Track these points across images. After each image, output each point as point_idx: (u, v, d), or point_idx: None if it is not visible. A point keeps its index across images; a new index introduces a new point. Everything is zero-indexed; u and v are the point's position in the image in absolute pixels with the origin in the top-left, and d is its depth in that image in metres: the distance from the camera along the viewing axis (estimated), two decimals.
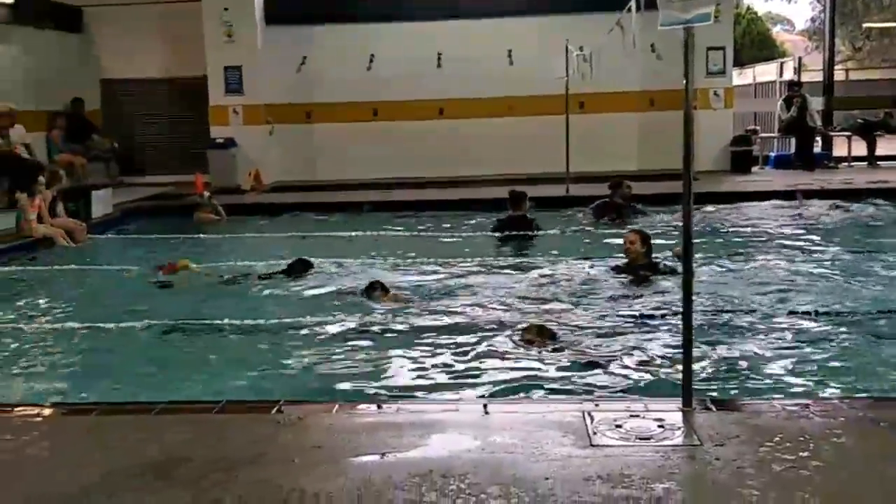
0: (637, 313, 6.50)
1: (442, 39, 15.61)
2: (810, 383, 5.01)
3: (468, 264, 8.68)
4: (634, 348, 5.66)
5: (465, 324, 6.39)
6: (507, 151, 15.23)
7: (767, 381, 5.05)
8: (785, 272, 7.95)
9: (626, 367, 5.30)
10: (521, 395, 4.84)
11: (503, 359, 5.52)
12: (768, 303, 6.76)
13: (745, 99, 19.18)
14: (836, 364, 5.35)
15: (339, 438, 3.78)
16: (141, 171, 16.33)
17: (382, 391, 5.09)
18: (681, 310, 4.07)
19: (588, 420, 3.81)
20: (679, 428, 3.73)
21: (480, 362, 5.51)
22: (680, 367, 4.08)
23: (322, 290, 7.66)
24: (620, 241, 8.23)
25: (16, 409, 4.54)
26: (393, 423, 3.96)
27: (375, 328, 6.38)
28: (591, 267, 8.19)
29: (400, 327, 6.35)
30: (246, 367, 5.65)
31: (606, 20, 12.35)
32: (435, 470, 3.36)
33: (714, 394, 4.50)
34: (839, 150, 17.31)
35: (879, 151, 16.92)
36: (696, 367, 4.10)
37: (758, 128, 17.58)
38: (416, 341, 5.97)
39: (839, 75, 22.55)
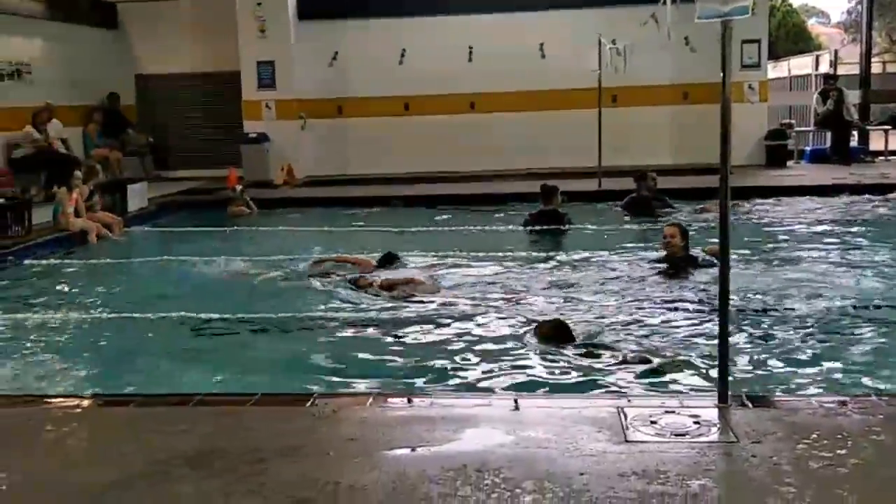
0: (673, 308, 6.46)
1: (473, 33, 15.59)
2: (848, 380, 4.95)
3: (499, 259, 8.67)
4: (669, 343, 5.63)
5: (496, 318, 6.38)
6: (538, 146, 15.17)
7: (804, 377, 5.00)
8: (821, 267, 7.87)
9: (662, 362, 5.27)
10: (556, 390, 4.82)
11: (536, 353, 5.51)
12: (805, 298, 6.68)
13: (780, 92, 18.96)
14: (874, 360, 5.28)
15: (374, 431, 3.79)
16: (175, 166, 16.48)
17: (413, 385, 5.11)
18: (717, 305, 4.04)
19: (622, 416, 3.79)
20: (715, 424, 3.70)
21: (513, 357, 5.51)
22: (716, 362, 4.05)
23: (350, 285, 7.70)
24: (652, 235, 8.18)
25: (55, 400, 4.62)
26: (426, 417, 3.97)
27: (405, 322, 6.39)
28: (627, 262, 8.15)
29: (430, 321, 6.36)
30: (280, 359, 5.69)
31: (639, 13, 12.30)
32: (469, 464, 3.37)
33: (750, 390, 4.44)
34: (876, 144, 17.06)
35: None
36: (732, 363, 4.06)
37: (793, 121, 17.37)
38: (447, 335, 5.99)
39: (876, 68, 22.26)
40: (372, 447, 3.61)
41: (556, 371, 5.19)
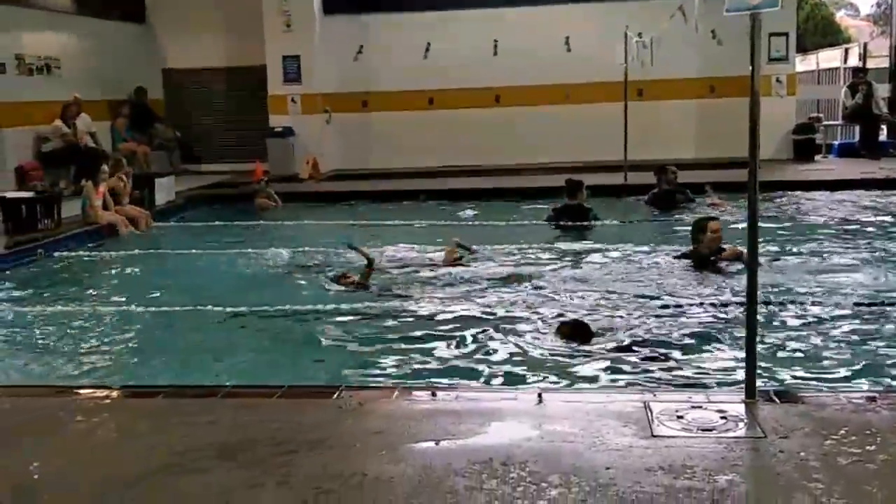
0: (699, 302, 6.43)
1: (498, 27, 15.55)
2: (877, 376, 4.90)
3: (524, 253, 8.67)
4: (697, 338, 5.60)
5: (520, 314, 6.38)
6: (563, 139, 15.12)
7: (832, 373, 4.95)
8: (849, 262, 7.79)
9: (688, 357, 5.25)
10: (581, 384, 4.82)
11: (562, 347, 5.50)
12: (833, 294, 6.62)
13: (808, 86, 18.76)
14: None
15: (400, 424, 3.81)
16: (201, 160, 16.60)
17: (438, 378, 5.11)
18: (744, 299, 4.02)
19: (648, 410, 3.79)
20: (742, 419, 3.68)
21: (538, 351, 5.50)
22: (743, 357, 4.03)
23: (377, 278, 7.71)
24: (676, 229, 8.12)
25: (85, 391, 4.68)
26: (452, 411, 3.98)
27: (430, 316, 6.40)
28: (653, 256, 8.11)
29: (454, 317, 6.36)
30: (305, 352, 5.72)
31: (665, 6, 12.24)
32: (495, 458, 3.38)
33: (777, 386, 4.42)
34: None
35: None
36: (759, 358, 4.03)
37: (821, 115, 17.18)
38: (470, 330, 5.98)
39: None
40: (398, 440, 3.63)
41: (581, 366, 5.17)
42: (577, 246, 8.99)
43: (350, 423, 3.90)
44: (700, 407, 3.82)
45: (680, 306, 6.42)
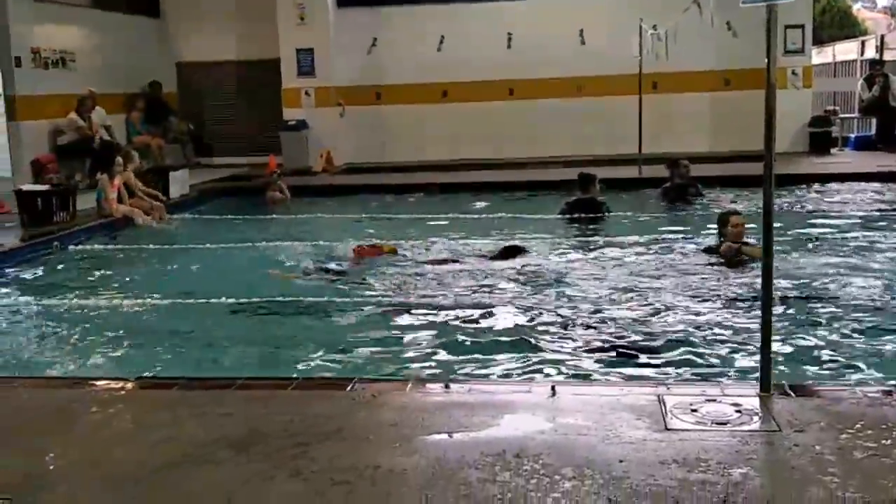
0: (714, 295, 6.40)
1: (512, 19, 15.50)
2: (893, 370, 4.87)
3: (537, 247, 8.66)
4: (711, 331, 5.58)
5: (532, 306, 6.37)
6: (577, 133, 15.08)
7: (848, 367, 4.92)
8: (865, 256, 7.75)
9: (702, 350, 5.23)
10: (594, 377, 4.81)
11: (574, 340, 5.49)
12: (849, 287, 6.58)
13: (824, 78, 18.64)
14: None
15: (413, 416, 3.81)
16: (215, 153, 16.64)
17: (451, 371, 5.11)
18: (759, 293, 3.99)
19: (662, 404, 3.77)
20: (757, 413, 3.67)
21: (551, 344, 5.49)
22: (757, 351, 4.01)
23: (389, 271, 7.73)
24: (686, 222, 8.07)
25: (100, 382, 4.70)
26: (465, 403, 3.98)
27: (441, 308, 6.41)
28: (665, 248, 8.08)
29: (464, 308, 6.36)
30: (319, 344, 5.73)
31: None
32: (508, 450, 3.38)
33: (792, 379, 4.39)
34: None
35: None
36: (774, 351, 4.01)
37: (837, 108, 17.06)
38: (482, 323, 5.98)
39: None
40: (411, 432, 3.63)
41: (594, 359, 5.16)
42: (589, 239, 8.97)
43: (363, 415, 3.91)
44: (714, 400, 3.81)
45: (694, 299, 6.40)
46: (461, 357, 5.37)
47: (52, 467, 3.44)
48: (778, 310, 5.47)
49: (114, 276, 8.13)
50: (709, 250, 7.66)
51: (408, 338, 5.79)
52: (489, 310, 6.30)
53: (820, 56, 20.18)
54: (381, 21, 15.84)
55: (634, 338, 5.55)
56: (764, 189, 3.84)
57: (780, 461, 3.29)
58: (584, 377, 4.86)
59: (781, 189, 11.05)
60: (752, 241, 7.48)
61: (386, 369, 5.23)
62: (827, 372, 4.86)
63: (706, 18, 10.26)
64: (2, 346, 6.03)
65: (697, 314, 5.99)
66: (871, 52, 18.05)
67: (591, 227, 9.72)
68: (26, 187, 10.55)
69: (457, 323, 6.05)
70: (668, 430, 3.52)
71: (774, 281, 3.99)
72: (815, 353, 5.16)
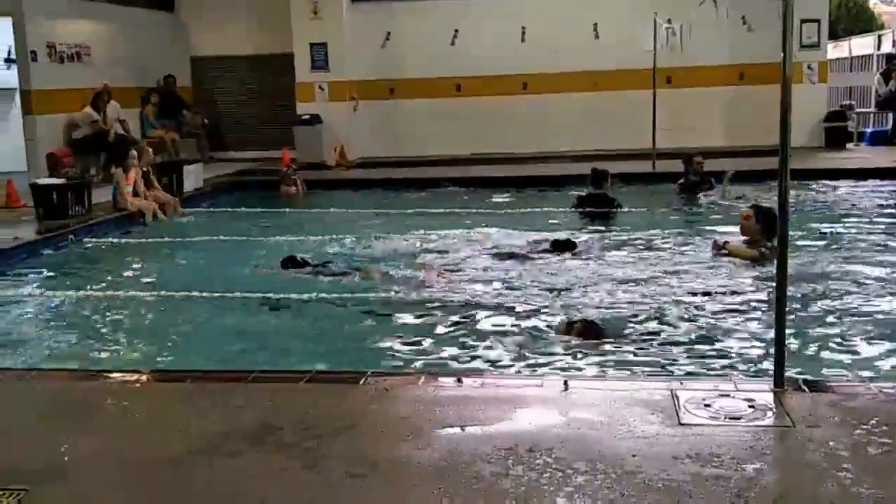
0: (728, 291, 6.38)
1: (526, 13, 15.47)
2: None
3: (548, 241, 8.65)
4: (725, 326, 5.57)
5: (544, 301, 6.37)
6: (591, 127, 15.03)
7: (862, 363, 4.90)
8: (880, 252, 7.70)
9: (715, 345, 5.22)
10: (607, 372, 4.80)
11: (588, 335, 5.48)
12: (863, 283, 6.55)
13: (840, 73, 18.52)
14: None
15: (426, 410, 3.82)
16: (229, 147, 16.70)
17: (462, 365, 5.12)
18: (774, 288, 3.98)
19: (675, 399, 3.77)
20: (770, 408, 3.66)
21: (563, 339, 5.48)
22: (771, 346, 4.00)
23: (404, 265, 7.74)
24: (699, 218, 8.04)
25: (115, 375, 4.73)
26: (478, 397, 3.99)
27: (453, 304, 6.40)
28: (679, 243, 8.06)
29: (477, 303, 6.36)
30: (330, 338, 5.75)
31: None
32: (520, 444, 3.38)
33: (806, 375, 4.37)
34: None
35: None
36: (788, 347, 4.00)
37: (853, 103, 16.96)
38: (495, 318, 5.97)
39: None
40: (425, 425, 3.64)
41: (607, 354, 5.15)
42: (600, 234, 8.94)
43: (377, 408, 3.92)
44: (728, 395, 3.80)
45: (707, 294, 6.38)
46: (472, 351, 5.38)
47: (67, 458, 3.47)
48: (792, 305, 5.43)
49: (128, 269, 8.17)
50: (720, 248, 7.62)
51: (419, 333, 5.79)
52: (498, 304, 6.30)
53: (836, 50, 20.05)
54: (395, 15, 15.84)
55: (646, 333, 5.53)
56: (779, 184, 3.82)
57: (794, 457, 3.28)
58: (597, 372, 4.85)
59: (796, 184, 10.99)
60: (735, 240, 7.44)
61: (398, 363, 5.24)
62: (841, 368, 4.83)
63: (721, 13, 10.17)
64: (18, 337, 6.07)
65: (710, 310, 5.96)
66: (887, 47, 17.92)
67: (602, 221, 9.69)
68: (42, 181, 10.61)
69: (469, 318, 6.04)
70: (682, 424, 3.51)
71: (788, 276, 3.97)
72: (830, 348, 5.13)
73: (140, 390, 4.39)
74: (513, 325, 5.80)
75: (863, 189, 11.54)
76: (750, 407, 3.66)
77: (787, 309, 3.99)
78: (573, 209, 10.20)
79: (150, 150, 11.85)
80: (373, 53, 15.79)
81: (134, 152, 10.96)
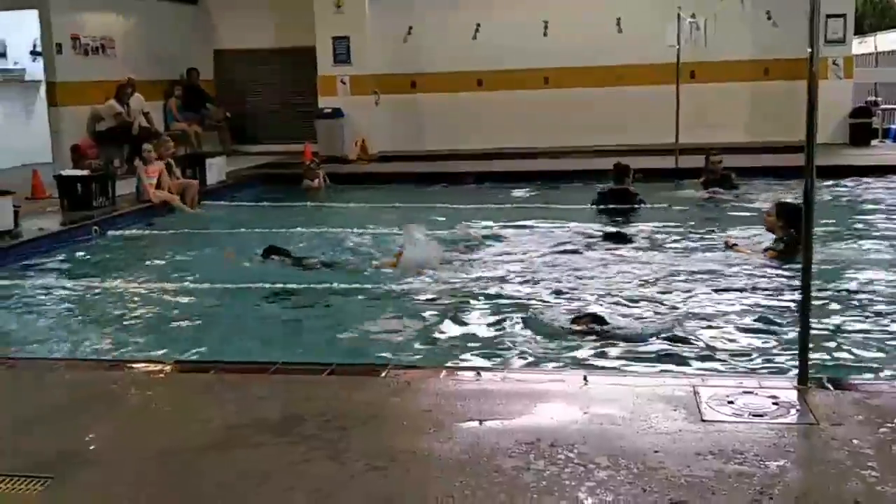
0: (751, 287, 6.35)
1: (549, 7, 15.40)
2: None
3: (568, 236, 8.64)
4: (748, 324, 5.54)
5: (564, 296, 6.36)
6: (613, 122, 14.93)
7: (887, 361, 4.86)
8: None
9: (739, 342, 5.20)
10: (629, 368, 4.79)
11: (606, 330, 5.46)
12: (888, 281, 6.49)
13: (866, 69, 18.32)
14: None
15: (447, 404, 3.83)
16: (251, 141, 16.74)
17: (484, 359, 5.12)
18: (798, 286, 3.95)
19: (698, 395, 3.75)
20: (794, 406, 3.64)
21: (584, 334, 5.47)
22: (795, 344, 3.97)
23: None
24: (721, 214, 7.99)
25: (138, 365, 4.78)
26: (499, 391, 3.99)
27: (473, 297, 6.41)
28: (700, 239, 8.02)
29: (498, 298, 6.36)
30: (351, 331, 5.77)
31: None
32: (542, 438, 3.38)
33: (830, 373, 4.34)
34: None
35: None
36: (812, 344, 3.97)
37: (879, 99, 16.77)
38: (515, 313, 5.95)
39: None
40: (446, 418, 3.65)
41: (629, 350, 5.14)
42: (620, 230, 8.89)
43: (398, 401, 3.94)
44: (751, 392, 3.78)
45: (729, 291, 6.34)
46: (494, 344, 5.38)
47: (92, 447, 3.51)
48: (816, 303, 5.39)
49: (151, 261, 8.23)
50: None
51: (437, 326, 5.80)
52: (517, 299, 6.30)
53: (862, 46, 19.84)
54: (417, 9, 15.82)
55: (668, 329, 5.51)
56: (805, 181, 3.79)
57: (818, 454, 3.26)
58: (619, 367, 4.83)
59: (820, 180, 10.89)
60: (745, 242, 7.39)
61: (420, 357, 5.25)
62: (865, 366, 4.80)
63: (746, 8, 10.09)
64: (42, 327, 6.14)
65: (732, 307, 5.93)
66: None
67: (623, 217, 9.65)
68: (66, 172, 10.70)
69: (487, 312, 6.05)
70: (704, 421, 3.50)
71: (813, 273, 3.95)
72: (854, 346, 5.09)
73: (163, 381, 4.43)
74: (533, 319, 5.79)
75: (888, 186, 11.41)
76: (773, 404, 3.64)
77: (812, 306, 3.96)
78: (594, 205, 10.16)
79: (171, 141, 11.92)
80: (395, 47, 15.78)
81: (147, 146, 11.00)
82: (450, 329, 5.75)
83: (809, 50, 3.77)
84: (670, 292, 6.39)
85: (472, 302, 6.32)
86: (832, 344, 5.10)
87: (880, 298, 6.03)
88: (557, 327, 5.56)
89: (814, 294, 4.15)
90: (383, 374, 4.27)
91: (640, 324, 5.65)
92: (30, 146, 14.44)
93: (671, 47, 12.47)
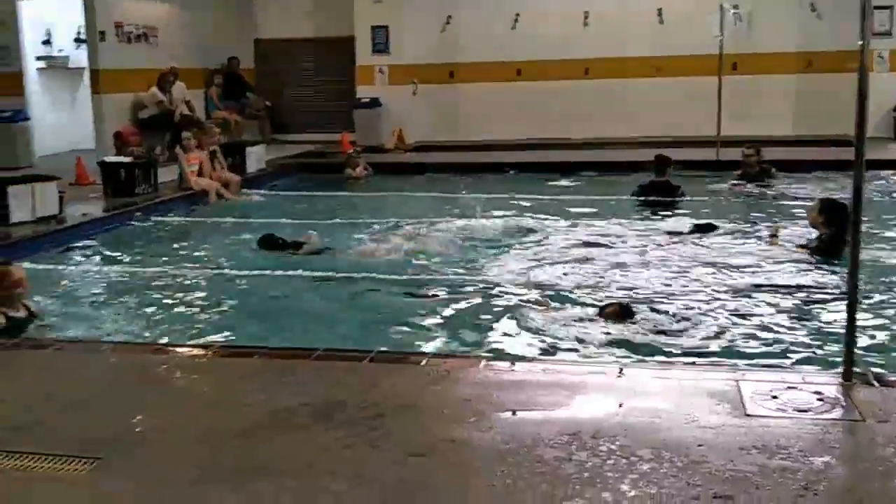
0: (795, 283, 6.27)
1: None
2: None
3: (608, 228, 8.60)
4: (791, 319, 5.48)
5: (602, 289, 6.33)
6: (654, 113, 14.79)
7: None
8: None
9: (782, 337, 5.14)
10: (670, 361, 4.76)
11: (646, 323, 5.43)
12: None
13: None
14: None
15: (487, 393, 3.83)
16: (290, 130, 16.83)
17: (518, 350, 5.13)
18: (843, 282, 3.90)
19: (741, 390, 3.72)
20: (839, 402, 3.59)
21: (624, 326, 5.44)
22: (841, 339, 3.92)
23: (461, 249, 7.76)
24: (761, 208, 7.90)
25: (183, 349, 4.85)
26: (539, 382, 3.99)
27: (508, 287, 6.40)
28: (743, 233, 7.94)
29: (535, 289, 6.35)
30: (389, 319, 5.80)
31: None
32: (583, 430, 3.38)
33: (876, 369, 4.28)
34: None
35: None
36: (857, 340, 3.93)
37: None
38: (554, 305, 5.95)
39: None
40: (485, 408, 3.66)
41: (670, 343, 5.11)
42: (662, 223, 8.84)
43: (438, 389, 3.95)
44: (795, 388, 3.74)
45: (769, 285, 6.28)
46: (534, 336, 5.37)
47: (138, 429, 3.56)
48: (861, 298, 5.32)
49: (192, 247, 8.33)
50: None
51: (473, 317, 5.81)
52: (557, 291, 6.28)
53: None
54: None
55: (709, 323, 5.48)
56: (854, 175, 3.75)
57: (864, 451, 3.23)
58: (660, 361, 4.81)
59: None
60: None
61: (455, 346, 5.27)
62: None
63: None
64: (85, 311, 6.25)
65: (771, 301, 5.87)
66: None
67: (664, 210, 9.56)
68: (110, 159, 10.85)
69: (525, 303, 6.03)
70: (748, 415, 3.47)
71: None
72: None
73: (207, 365, 4.48)
74: (565, 310, 5.79)
75: None
76: (818, 400, 3.60)
77: (858, 302, 3.90)
78: (634, 197, 10.09)
79: (217, 129, 12.02)
80: (433, 37, 15.75)
81: (187, 134, 11.11)
82: (482, 319, 5.75)
83: (861, 42, 3.72)
84: (708, 285, 6.34)
85: (504, 293, 6.31)
86: (877, 340, 5.04)
87: None
88: (590, 318, 5.54)
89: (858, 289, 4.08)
90: (423, 363, 4.30)
91: (677, 316, 5.61)
92: (74, 133, 14.68)
93: (713, 38, 12.33)
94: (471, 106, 15.80)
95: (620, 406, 3.61)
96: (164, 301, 6.42)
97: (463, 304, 6.11)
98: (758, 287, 6.28)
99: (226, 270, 7.25)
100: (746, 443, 3.22)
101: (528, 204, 10.13)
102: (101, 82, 13.37)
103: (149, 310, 6.19)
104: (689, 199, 9.95)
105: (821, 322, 5.42)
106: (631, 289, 6.31)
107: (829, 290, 6.03)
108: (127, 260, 7.83)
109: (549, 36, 15.18)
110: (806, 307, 5.76)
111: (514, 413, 3.59)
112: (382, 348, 4.79)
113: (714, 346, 5.08)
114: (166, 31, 14.77)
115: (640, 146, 13.17)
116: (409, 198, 10.99)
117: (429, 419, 3.61)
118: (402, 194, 11.18)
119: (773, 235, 7.42)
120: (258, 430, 3.49)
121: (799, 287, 6.20)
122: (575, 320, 5.57)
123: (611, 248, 7.77)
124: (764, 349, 5.02)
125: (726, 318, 5.58)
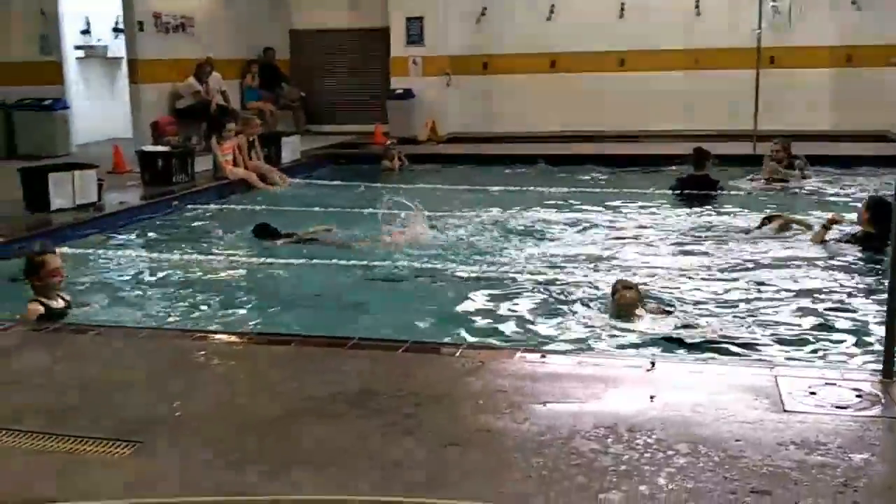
0: (834, 279, 6.21)
1: None
2: None
3: (646, 222, 8.55)
4: (831, 315, 5.42)
5: (639, 283, 6.29)
6: (690, 106, 14.64)
7: None
8: None
9: (821, 334, 5.09)
10: (706, 356, 4.73)
11: (684, 317, 5.41)
12: None
13: None
14: None
15: (522, 384, 3.84)
16: (324, 120, 16.88)
17: (548, 341, 5.13)
18: (884, 278, 3.86)
19: (780, 385, 3.70)
20: (879, 399, 3.56)
21: (659, 320, 5.42)
22: (881, 336, 3.88)
23: (499, 242, 7.76)
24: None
25: (220, 336, 4.91)
26: (574, 375, 3.99)
27: (544, 282, 6.39)
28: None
29: (569, 282, 6.33)
30: (424, 309, 5.81)
31: None
32: (620, 423, 3.37)
33: None
34: None
35: None
36: None
37: None
38: (587, 298, 5.92)
39: None
40: (521, 399, 3.67)
41: (707, 337, 5.08)
42: (702, 218, 8.76)
43: (473, 380, 3.96)
44: (834, 384, 3.71)
45: (812, 281, 6.22)
46: (566, 331, 5.36)
47: (178, 414, 3.61)
48: None
49: (228, 235, 8.41)
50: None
51: (504, 309, 5.81)
52: (590, 284, 6.26)
53: None
54: None
55: (747, 317, 5.44)
56: None
57: None
58: (696, 355, 4.78)
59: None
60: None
61: (492, 337, 5.27)
62: None
63: None
64: (124, 297, 6.34)
65: (816, 297, 5.81)
66: None
67: (703, 205, 9.48)
68: (147, 148, 10.98)
69: (558, 296, 6.01)
70: (786, 411, 3.45)
71: None
72: None
73: (244, 352, 4.54)
74: (598, 303, 5.77)
75: None
76: (857, 397, 3.57)
77: None
78: (672, 191, 10.01)
79: (257, 119, 12.11)
80: (468, 28, 15.72)
81: (231, 125, 11.20)
82: (515, 310, 5.75)
83: None
84: (745, 280, 6.29)
85: (536, 285, 6.30)
86: None
87: None
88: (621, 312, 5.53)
89: None
90: (457, 353, 4.31)
91: (713, 311, 5.58)
92: (111, 122, 14.85)
93: (752, 31, 12.19)
94: (504, 97, 15.74)
95: (652, 399, 3.60)
96: (200, 288, 6.48)
97: (498, 294, 6.11)
98: (794, 280, 6.22)
99: (261, 259, 7.30)
100: (784, 439, 3.20)
101: (562, 196, 10.10)
102: (138, 72, 13.50)
103: (185, 295, 6.27)
104: (727, 193, 9.86)
105: (861, 319, 5.35)
106: (668, 281, 6.27)
107: (872, 287, 5.95)
108: (164, 247, 7.92)
109: (585, 27, 15.08)
110: (846, 304, 5.70)
111: (552, 405, 3.59)
112: (417, 339, 4.80)
113: (749, 340, 5.05)
114: (203, 21, 14.87)
115: (676, 139, 13.07)
116: (441, 189, 10.99)
117: (464, 409, 3.62)
118: (433, 186, 11.19)
119: (825, 227, 7.27)
120: (295, 416, 3.53)
121: (840, 283, 6.12)
122: (601, 312, 5.55)
123: (641, 243, 7.72)
124: (802, 345, 4.97)
125: (762, 311, 5.54)
